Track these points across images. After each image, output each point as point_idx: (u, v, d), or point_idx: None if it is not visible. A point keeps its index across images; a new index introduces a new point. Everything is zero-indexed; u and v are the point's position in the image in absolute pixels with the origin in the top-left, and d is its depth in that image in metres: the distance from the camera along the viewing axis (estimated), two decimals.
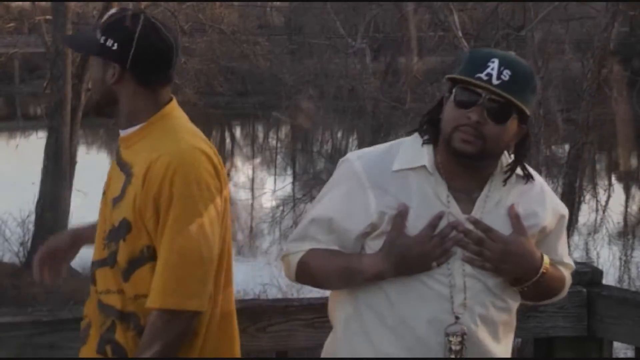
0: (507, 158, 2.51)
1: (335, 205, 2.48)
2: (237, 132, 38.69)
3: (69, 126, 17.49)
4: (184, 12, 22.89)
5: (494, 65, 2.35)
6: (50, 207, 17.42)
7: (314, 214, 2.55)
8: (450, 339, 2.37)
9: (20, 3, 27.66)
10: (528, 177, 2.51)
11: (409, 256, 2.37)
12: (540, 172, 15.73)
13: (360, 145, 25.81)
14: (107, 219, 2.56)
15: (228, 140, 37.31)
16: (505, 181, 2.47)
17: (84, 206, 19.91)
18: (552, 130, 16.80)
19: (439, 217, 2.39)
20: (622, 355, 11.65)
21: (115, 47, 2.57)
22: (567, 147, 17.13)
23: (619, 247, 20.50)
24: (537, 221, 2.52)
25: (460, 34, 15.87)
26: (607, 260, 18.48)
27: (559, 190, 16.20)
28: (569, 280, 2.66)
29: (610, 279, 16.57)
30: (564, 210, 2.67)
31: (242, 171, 30.71)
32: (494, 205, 2.45)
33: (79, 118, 18.22)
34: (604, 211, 21.90)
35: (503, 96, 2.33)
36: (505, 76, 2.34)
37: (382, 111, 22.75)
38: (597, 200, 22.15)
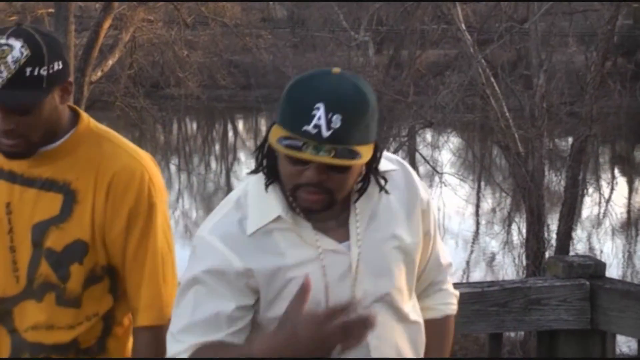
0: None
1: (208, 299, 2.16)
2: (240, 125, 38.69)
3: None
4: (187, 6, 22.84)
5: (319, 113, 2.02)
6: None
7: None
8: None
9: None
10: (382, 188, 2.24)
11: (301, 335, 2.03)
12: (543, 165, 15.76)
13: None
14: (24, 247, 2.30)
15: (231, 133, 37.33)
16: (360, 193, 2.22)
17: None
18: (555, 123, 16.78)
19: (306, 285, 2.08)
20: (625, 348, 11.66)
21: (60, 67, 2.27)
22: (570, 140, 17.11)
23: (622, 240, 20.49)
24: (416, 206, 2.31)
25: (463, 26, 15.84)
26: (611, 253, 18.48)
27: (562, 183, 16.20)
28: (454, 302, 2.49)
29: (613, 271, 16.57)
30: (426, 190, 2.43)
31: (245, 164, 30.74)
32: (369, 219, 2.23)
33: None
34: (607, 204, 21.89)
35: (339, 152, 2.03)
36: (335, 123, 2.02)
37: (385, 104, 22.71)
38: (600, 193, 22.14)
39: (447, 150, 22.81)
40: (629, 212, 22.76)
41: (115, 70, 20.82)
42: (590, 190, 21.04)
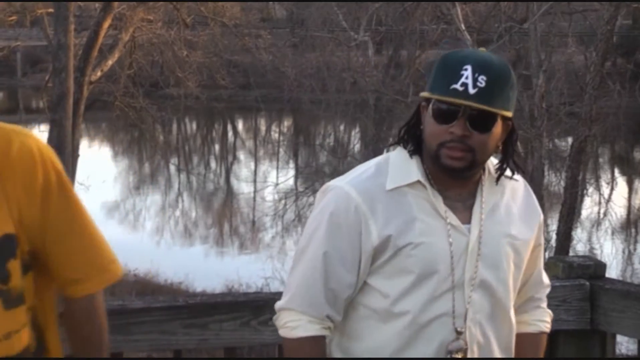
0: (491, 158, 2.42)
1: (333, 246, 2.32)
2: (240, 125, 38.72)
3: (71, 119, 17.47)
4: (186, 5, 22.84)
5: (467, 73, 2.21)
6: None
7: (312, 266, 2.34)
8: (453, 356, 2.31)
9: None
10: (514, 172, 2.41)
11: None
12: (543, 166, 15.76)
13: (363, 138, 25.82)
14: None
15: (230, 133, 37.35)
16: (497, 182, 2.38)
17: (86, 200, 20.00)
18: (554, 124, 16.79)
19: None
20: (624, 349, 11.66)
21: None
22: (570, 140, 17.13)
23: (622, 240, 20.51)
24: (535, 219, 2.46)
25: (462, 27, 15.86)
26: (610, 254, 18.50)
27: (562, 183, 16.20)
28: (548, 324, 2.59)
29: (613, 272, 16.58)
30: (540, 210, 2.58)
31: (245, 164, 30.74)
32: (491, 210, 2.37)
33: (81, 111, 18.22)
34: (607, 204, 21.90)
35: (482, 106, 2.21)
36: (481, 82, 2.21)
37: (385, 104, 22.73)
38: (600, 194, 22.16)
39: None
40: (628, 212, 22.77)
41: (114, 70, 20.82)
42: (590, 190, 21.07)
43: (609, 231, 20.66)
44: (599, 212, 21.34)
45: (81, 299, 2.26)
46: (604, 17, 15.42)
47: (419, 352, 2.30)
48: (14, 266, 2.12)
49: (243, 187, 26.42)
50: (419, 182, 2.31)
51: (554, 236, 15.89)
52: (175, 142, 32.03)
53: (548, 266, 3.35)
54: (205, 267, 18.27)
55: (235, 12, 25.20)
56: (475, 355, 2.34)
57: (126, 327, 2.79)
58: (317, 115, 27.76)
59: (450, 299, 2.30)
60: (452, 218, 2.32)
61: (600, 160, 26.48)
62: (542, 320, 2.55)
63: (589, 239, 19.91)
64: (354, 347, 2.37)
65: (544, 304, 2.56)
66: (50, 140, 17.64)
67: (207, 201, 26.10)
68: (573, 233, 16.44)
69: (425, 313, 2.30)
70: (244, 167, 30.20)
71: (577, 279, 3.19)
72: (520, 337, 2.47)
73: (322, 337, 2.33)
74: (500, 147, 2.35)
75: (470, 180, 2.35)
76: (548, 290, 2.57)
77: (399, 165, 2.35)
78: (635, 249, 20.12)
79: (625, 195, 24.09)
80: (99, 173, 22.54)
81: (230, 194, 26.48)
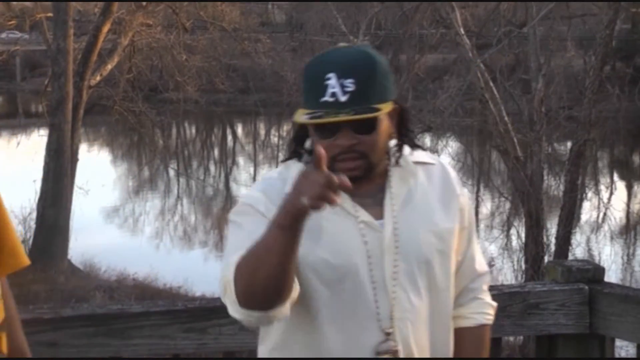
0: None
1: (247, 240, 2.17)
2: (239, 129, 38.73)
3: (71, 124, 17.49)
4: (186, 10, 22.87)
5: (332, 82, 2.11)
6: (51, 204, 17.43)
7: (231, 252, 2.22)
8: (382, 357, 2.21)
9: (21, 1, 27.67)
10: (413, 147, 2.31)
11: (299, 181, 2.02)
12: (542, 170, 15.77)
13: None
14: None
15: (230, 137, 37.35)
16: (398, 163, 2.27)
17: (85, 204, 19.98)
18: (554, 128, 16.79)
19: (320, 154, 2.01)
20: (623, 353, 11.65)
21: None
22: (569, 144, 17.13)
23: (621, 245, 20.51)
24: (454, 200, 2.34)
25: (462, 31, 15.85)
26: (609, 258, 18.49)
27: (561, 187, 16.20)
28: (492, 311, 2.44)
29: (612, 276, 16.57)
30: (464, 191, 2.43)
31: (244, 168, 30.74)
32: (404, 201, 2.27)
33: (81, 115, 18.24)
34: (606, 208, 21.89)
35: (359, 112, 2.10)
36: (349, 86, 2.11)
37: None
38: (599, 198, 22.15)
39: (445, 155, 22.81)
40: (627, 216, 22.77)
41: (114, 74, 20.84)
42: (589, 194, 21.05)
43: (608, 235, 20.66)
44: (598, 216, 21.34)
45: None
46: (603, 21, 15.43)
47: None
48: None
49: (242, 191, 26.38)
50: None
51: (553, 240, 15.89)
52: (174, 147, 32.02)
53: (547, 270, 3.35)
54: (205, 272, 18.24)
55: (235, 17, 25.21)
56: (412, 355, 2.25)
57: (125, 331, 2.80)
58: None
59: (373, 300, 2.21)
60: (364, 215, 2.24)
61: (600, 164, 26.49)
62: (480, 312, 2.41)
63: (588, 243, 19.90)
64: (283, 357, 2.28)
65: (482, 294, 2.42)
66: (49, 144, 17.66)
67: (206, 205, 26.10)
68: (572, 237, 16.43)
69: (350, 319, 2.21)
70: (243, 171, 30.20)
71: (576, 283, 3.19)
72: (458, 332, 2.36)
73: None
74: (394, 133, 2.26)
75: (376, 175, 2.25)
76: (485, 278, 2.43)
77: (295, 168, 2.25)
78: (634, 253, 20.12)
79: (625, 199, 24.10)
80: (98, 177, 22.54)
81: (229, 198, 26.45)
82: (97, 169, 25.51)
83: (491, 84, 15.58)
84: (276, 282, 2.08)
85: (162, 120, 24.48)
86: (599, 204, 21.87)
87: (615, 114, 19.14)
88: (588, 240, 20.10)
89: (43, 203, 17.58)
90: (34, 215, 18.05)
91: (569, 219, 15.51)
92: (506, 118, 15.43)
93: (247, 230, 2.21)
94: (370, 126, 2.16)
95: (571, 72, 20.41)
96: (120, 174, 28.92)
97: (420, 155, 2.33)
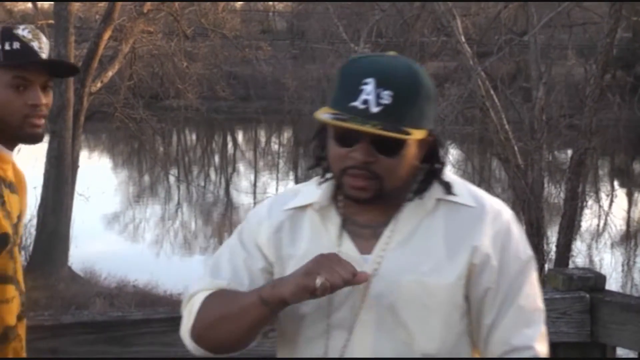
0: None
1: (235, 241, 2.20)
2: (240, 136, 38.73)
3: (71, 131, 17.49)
4: (187, 17, 22.90)
5: (369, 88, 1.90)
6: (52, 211, 17.42)
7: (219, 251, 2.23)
8: None
9: (22, 7, 27.74)
10: (448, 187, 2.05)
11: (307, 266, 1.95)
12: (542, 178, 15.77)
13: None
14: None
15: (230, 144, 37.36)
16: (415, 195, 2.04)
17: (86, 211, 19.97)
18: (554, 136, 16.79)
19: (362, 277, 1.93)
20: None
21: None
22: (569, 152, 17.12)
23: (622, 253, 20.49)
24: (462, 252, 2.01)
25: (463, 39, 15.85)
26: (610, 266, 18.47)
27: (562, 195, 16.19)
28: None
29: (613, 284, 16.56)
30: (526, 252, 2.07)
31: (244, 176, 30.74)
32: (404, 240, 2.01)
33: (81, 123, 18.24)
34: (606, 217, 21.89)
35: (387, 128, 1.89)
36: (385, 98, 1.89)
37: None
38: (599, 206, 22.15)
39: (446, 162, 22.78)
40: (628, 224, 22.76)
41: (114, 81, 20.85)
42: (590, 202, 21.04)
43: (609, 243, 20.65)
44: (598, 225, 21.33)
45: None
46: (604, 29, 15.43)
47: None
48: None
49: (243, 198, 26.39)
50: (314, 205, 2.08)
51: (553, 248, 15.88)
52: (175, 154, 32.04)
53: (548, 278, 3.35)
54: None
55: (236, 24, 25.27)
56: None
57: (125, 338, 2.80)
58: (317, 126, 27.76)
59: (323, 343, 2.04)
60: (348, 246, 2.03)
61: (600, 172, 26.49)
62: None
63: (589, 251, 19.89)
64: None
65: (530, 352, 2.03)
66: (50, 151, 17.66)
67: (206, 212, 26.09)
68: (573, 245, 16.41)
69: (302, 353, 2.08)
70: (243, 179, 30.20)
71: (577, 291, 3.19)
72: None
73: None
74: (420, 165, 2.04)
75: (389, 204, 2.03)
76: (526, 354, 2.03)
77: (310, 186, 2.14)
78: (635, 262, 20.10)
79: (625, 207, 24.09)
80: (98, 184, 22.53)
81: (230, 205, 26.46)
82: (98, 176, 25.51)
83: (492, 92, 15.58)
84: (237, 341, 2.08)
85: (162, 127, 24.50)
86: (599, 212, 21.87)
87: (615, 122, 19.17)
88: (589, 249, 20.09)
89: (43, 210, 17.57)
90: (35, 222, 18.04)
91: (570, 227, 15.49)
92: (507, 126, 15.42)
93: (230, 245, 2.20)
94: (394, 148, 1.94)
95: (572, 80, 20.43)
96: (121, 181, 28.92)
97: (458, 194, 2.06)
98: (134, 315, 2.88)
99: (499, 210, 2.07)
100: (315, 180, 2.15)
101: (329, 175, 2.08)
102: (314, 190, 2.11)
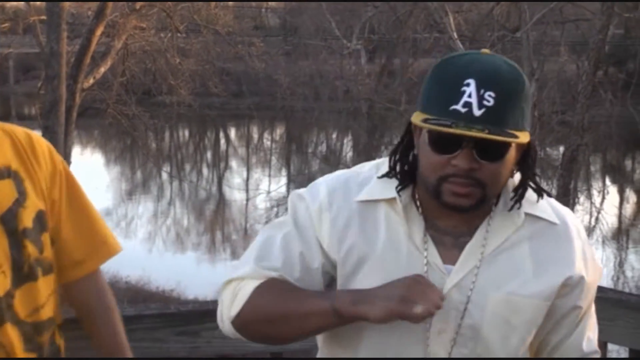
0: (511, 181, 1.98)
1: (292, 229, 2.01)
2: (232, 133, 38.70)
3: (64, 127, 17.44)
4: (179, 13, 22.85)
5: (470, 90, 1.78)
6: None
7: (268, 233, 2.06)
8: None
9: (15, 3, 27.65)
10: (540, 194, 1.98)
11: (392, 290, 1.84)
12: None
13: (356, 146, 25.87)
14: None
15: (223, 141, 37.33)
16: (510, 210, 1.94)
17: None
18: (546, 132, 16.83)
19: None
20: (615, 355, 11.66)
21: None
22: (561, 149, 17.16)
23: (614, 249, 20.54)
24: (558, 273, 1.96)
25: (455, 35, 15.88)
26: (601, 262, 18.49)
27: (554, 192, 16.22)
28: None
29: (604, 280, 16.59)
30: (599, 263, 2.08)
31: (237, 172, 30.72)
32: (490, 255, 1.93)
33: (74, 118, 18.20)
34: (598, 213, 21.94)
35: (493, 132, 1.77)
36: (488, 100, 1.77)
37: (377, 112, 22.77)
38: (591, 202, 22.21)
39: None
40: (619, 220, 22.81)
41: (107, 77, 20.81)
42: (582, 199, 21.11)
43: (600, 240, 20.69)
44: (590, 221, 21.38)
45: (83, 279, 2.47)
46: (596, 26, 15.48)
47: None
48: (46, 238, 2.36)
49: (235, 194, 26.39)
50: (395, 200, 1.95)
51: None
52: (167, 150, 32.00)
53: None
54: (197, 275, 18.24)
55: (228, 20, 25.22)
56: None
57: None
58: (309, 123, 27.79)
59: (409, 350, 1.96)
60: (432, 254, 1.92)
61: (592, 169, 26.53)
62: None
63: None
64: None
65: None
66: None
67: (199, 209, 26.08)
68: None
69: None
70: (236, 175, 30.19)
71: None
72: None
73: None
74: (515, 170, 1.94)
75: (475, 214, 1.93)
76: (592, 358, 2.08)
77: (383, 179, 1.99)
78: (626, 258, 20.15)
79: (617, 204, 24.14)
80: (91, 180, 22.49)
81: (222, 201, 26.46)
82: (90, 172, 25.47)
83: None
84: (292, 339, 1.99)
85: (155, 123, 24.47)
86: (591, 208, 21.92)
87: (608, 119, 19.22)
88: None
89: None
90: None
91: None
92: None
93: (284, 232, 2.02)
94: (498, 153, 1.82)
95: (564, 77, 20.46)
96: (113, 177, 28.90)
97: (541, 208, 1.98)
98: (126, 312, 2.88)
99: (578, 227, 2.03)
100: (374, 166, 2.04)
101: (392, 172, 1.97)
102: (386, 184, 1.97)
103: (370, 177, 2.00)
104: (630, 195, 26.42)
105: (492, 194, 1.86)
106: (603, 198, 24.01)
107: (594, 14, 17.38)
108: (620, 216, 23.08)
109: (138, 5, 20.29)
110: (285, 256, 1.99)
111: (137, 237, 22.22)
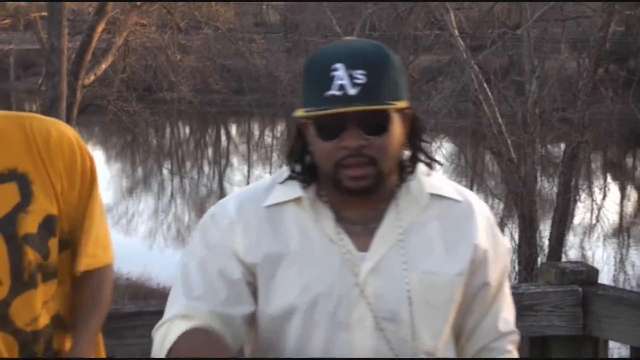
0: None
1: (206, 253, 2.05)
2: (233, 130, 38.69)
3: (64, 123, 17.46)
4: (180, 10, 22.85)
5: (340, 73, 1.84)
6: None
7: (187, 263, 2.07)
8: None
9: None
10: (430, 165, 2.03)
11: None
12: (535, 172, 15.78)
13: None
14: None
15: (224, 138, 37.31)
16: (406, 176, 2.00)
17: None
18: (547, 130, 16.80)
19: None
20: (616, 354, 11.67)
21: None
22: (562, 146, 17.14)
23: (615, 246, 20.53)
24: (466, 249, 2.00)
25: (456, 32, 15.86)
26: (603, 259, 18.51)
27: (555, 189, 16.21)
28: None
29: (605, 277, 16.59)
30: (506, 242, 2.12)
31: (238, 169, 30.72)
32: (402, 236, 1.97)
33: (74, 115, 18.19)
34: (599, 210, 21.93)
35: (370, 105, 1.84)
36: (360, 78, 1.84)
37: None
38: (592, 200, 22.18)
39: (439, 156, 22.80)
40: (621, 218, 22.81)
41: (108, 74, 20.80)
42: (583, 196, 21.08)
43: (602, 237, 20.69)
44: (591, 218, 21.37)
45: (87, 273, 2.37)
46: (597, 23, 15.45)
47: None
48: (53, 243, 2.28)
49: (236, 191, 26.34)
50: (300, 199, 1.98)
51: (546, 242, 15.90)
52: (168, 146, 31.99)
53: (541, 272, 3.35)
54: None
55: (229, 17, 25.19)
56: None
57: (118, 331, 2.79)
58: None
59: (336, 342, 1.97)
60: (347, 243, 1.95)
61: (593, 166, 26.51)
62: None
63: (582, 245, 19.93)
64: None
65: (506, 355, 2.11)
66: None
67: (200, 205, 26.06)
68: (565, 239, 16.45)
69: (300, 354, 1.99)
70: (237, 172, 30.18)
71: (569, 285, 3.19)
72: None
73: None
74: (406, 143, 1.99)
75: (379, 197, 1.97)
76: (510, 338, 2.13)
77: (288, 182, 2.02)
78: (627, 255, 20.15)
79: (618, 201, 24.13)
80: None
81: (223, 198, 26.47)
82: None
83: (485, 85, 15.59)
84: None
85: (156, 120, 24.46)
86: (592, 205, 21.90)
87: (608, 116, 19.19)
88: (581, 242, 20.13)
89: None
90: None
91: (563, 221, 15.52)
92: (500, 120, 15.44)
93: (198, 257, 2.04)
94: (381, 125, 1.89)
95: (565, 74, 20.42)
96: (114, 173, 28.89)
97: (443, 188, 2.04)
98: (127, 308, 2.88)
99: (481, 204, 2.09)
100: (279, 173, 2.06)
101: (294, 173, 2.01)
102: (290, 187, 2.01)
103: (276, 183, 2.04)
104: (631, 193, 26.41)
105: (386, 168, 1.91)
106: (604, 195, 24.00)
107: (595, 12, 17.35)
108: (621, 213, 23.07)
109: (139, 2, 20.29)
110: (205, 281, 2.01)
111: (138, 233, 22.23)
